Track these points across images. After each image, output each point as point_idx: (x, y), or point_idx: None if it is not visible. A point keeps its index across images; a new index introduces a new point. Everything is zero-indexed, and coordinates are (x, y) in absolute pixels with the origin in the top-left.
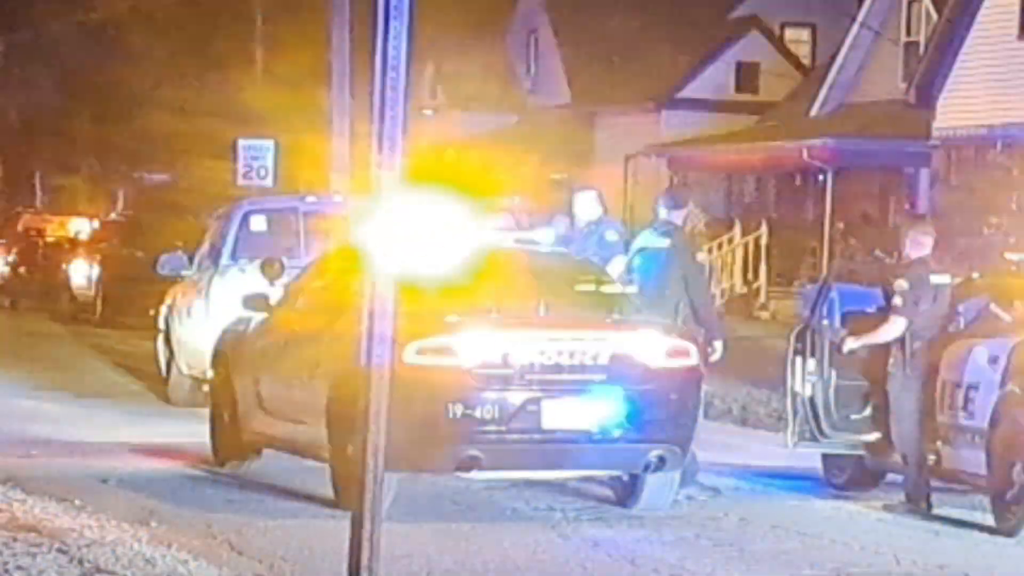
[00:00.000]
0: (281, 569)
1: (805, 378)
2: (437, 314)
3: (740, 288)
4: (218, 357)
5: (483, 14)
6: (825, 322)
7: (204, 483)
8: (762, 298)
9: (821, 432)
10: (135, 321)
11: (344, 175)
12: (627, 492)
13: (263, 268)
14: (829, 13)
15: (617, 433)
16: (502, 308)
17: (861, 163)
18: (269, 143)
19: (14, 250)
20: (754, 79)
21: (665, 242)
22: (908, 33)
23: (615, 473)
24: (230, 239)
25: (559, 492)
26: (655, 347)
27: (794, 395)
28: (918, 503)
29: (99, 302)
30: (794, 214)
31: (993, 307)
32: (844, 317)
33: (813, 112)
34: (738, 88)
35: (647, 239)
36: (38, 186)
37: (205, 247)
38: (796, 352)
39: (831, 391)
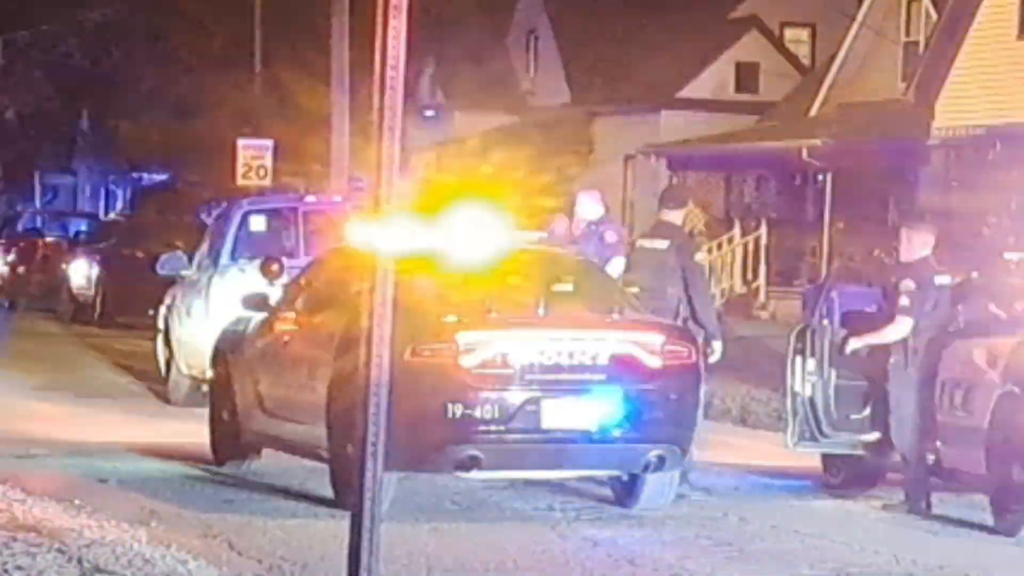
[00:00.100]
0: (281, 569)
1: (805, 378)
2: (437, 314)
3: (740, 288)
4: (218, 357)
5: (483, 14)
6: (825, 322)
7: (204, 483)
8: (761, 298)
9: (821, 432)
10: (135, 321)
11: (343, 174)
12: (627, 492)
13: (263, 268)
14: (829, 13)
15: (617, 433)
16: (502, 308)
17: (860, 163)
18: (268, 143)
19: (13, 250)
20: (754, 79)
21: (665, 242)
22: (907, 33)
23: (615, 473)
24: (230, 239)
25: (559, 492)
26: (655, 347)
27: (794, 395)
28: (918, 503)
29: (99, 302)
30: (794, 214)
31: (992, 307)
32: (844, 317)
33: (813, 112)
34: (738, 88)
35: (647, 239)
36: (38, 186)
37: (205, 247)
38: (796, 352)
39: (831, 391)
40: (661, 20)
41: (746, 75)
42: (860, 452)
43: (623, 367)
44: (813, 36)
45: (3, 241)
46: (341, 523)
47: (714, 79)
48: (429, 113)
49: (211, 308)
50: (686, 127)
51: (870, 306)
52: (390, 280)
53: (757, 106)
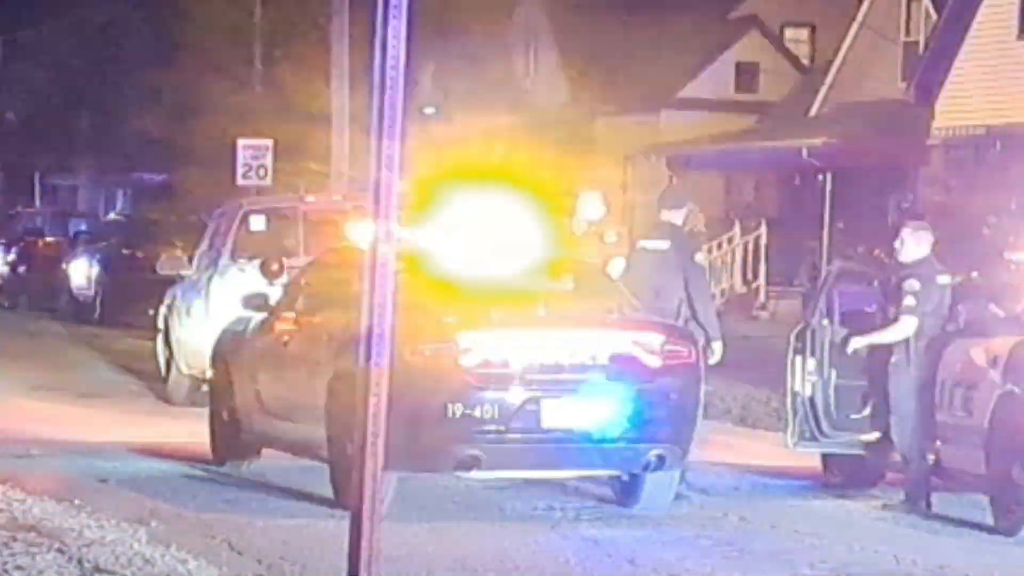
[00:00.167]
0: (281, 569)
1: (805, 378)
2: (437, 314)
3: (740, 288)
4: (217, 357)
5: (483, 14)
6: (825, 322)
7: (203, 483)
8: (761, 298)
9: (821, 432)
10: (135, 321)
11: (343, 174)
12: (627, 492)
13: (262, 268)
14: (829, 13)
15: (617, 433)
16: (502, 308)
17: (860, 163)
18: (268, 143)
19: (14, 250)
20: (754, 79)
21: (665, 242)
22: (907, 33)
23: (615, 473)
24: (230, 239)
25: (559, 492)
26: (655, 347)
27: (794, 395)
28: (918, 503)
29: (98, 302)
30: (793, 214)
31: (992, 307)
32: (844, 317)
33: (812, 112)
34: (738, 88)
35: (647, 239)
36: (38, 186)
37: (204, 247)
38: (796, 352)
39: (831, 391)
40: (661, 20)
41: (746, 75)
42: (860, 452)
43: (623, 367)
44: (813, 36)
45: (3, 241)
46: (341, 523)
47: (714, 79)
48: (430, 111)
49: (211, 308)
50: (686, 127)
51: (870, 306)
52: (390, 280)
53: (757, 106)
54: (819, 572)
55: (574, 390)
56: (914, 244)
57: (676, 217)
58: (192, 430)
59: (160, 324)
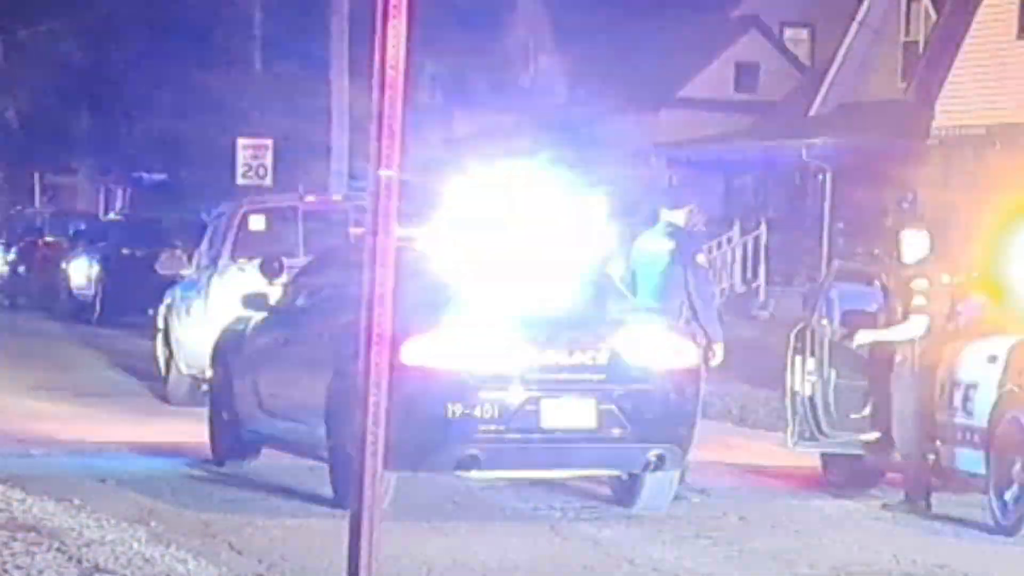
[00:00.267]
0: (280, 568)
1: (804, 377)
2: (436, 313)
3: (739, 288)
4: (217, 356)
5: (482, 13)
6: (824, 321)
7: (203, 482)
8: (761, 297)
9: (820, 431)
10: (134, 320)
11: (342, 174)
12: (626, 491)
13: (262, 267)
14: (828, 13)
15: (616, 432)
16: (502, 307)
17: (860, 163)
18: (268, 142)
19: (13, 249)
20: (753, 79)
21: (667, 243)
22: (907, 33)
23: (615, 473)
24: (229, 238)
25: (559, 492)
26: (655, 347)
27: (793, 394)
28: (917, 502)
29: (98, 301)
30: (793, 214)
31: (992, 306)
32: (844, 316)
33: (812, 112)
34: (737, 88)
35: (649, 240)
36: (37, 186)
37: (204, 246)
38: (795, 351)
39: (830, 390)
40: (661, 20)
41: (746, 75)
42: (859, 452)
43: (623, 367)
44: (813, 36)
45: (3, 241)
46: (341, 523)
47: (714, 78)
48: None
49: (210, 308)
50: (686, 127)
51: (869, 305)
52: (389, 278)
53: (757, 106)
54: (819, 572)
55: (574, 390)
56: (915, 245)
57: (677, 217)
58: (192, 430)
59: (160, 324)
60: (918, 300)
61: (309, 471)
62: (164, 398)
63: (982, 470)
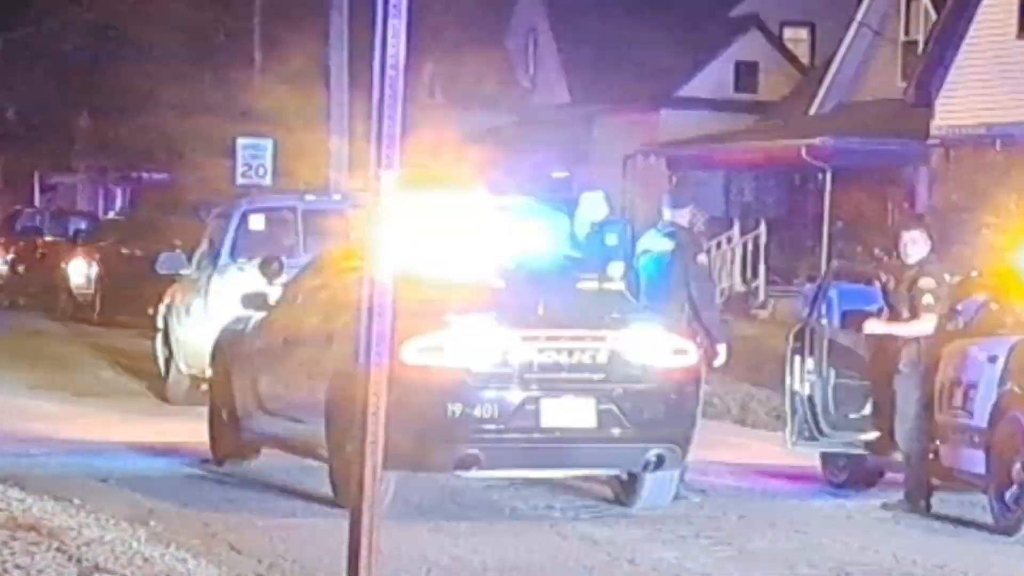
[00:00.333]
0: (280, 568)
1: (804, 377)
2: (436, 313)
3: (739, 287)
4: (217, 356)
5: (482, 13)
6: (824, 321)
7: (203, 482)
8: (761, 297)
9: (820, 431)
10: (134, 320)
11: (342, 174)
12: (626, 491)
13: (262, 267)
14: (828, 12)
15: (616, 432)
16: (501, 307)
17: (860, 162)
18: (267, 142)
19: (12, 249)
20: (753, 78)
21: (669, 244)
22: (907, 32)
23: (614, 472)
24: (229, 238)
25: (558, 491)
26: (654, 346)
27: (793, 394)
28: (917, 502)
29: (98, 301)
30: (793, 213)
31: (992, 306)
32: (843, 316)
33: (812, 111)
34: (737, 87)
35: (651, 240)
36: (37, 186)
37: (204, 246)
38: (795, 351)
39: (830, 390)
40: (661, 19)
41: (745, 74)
42: (859, 451)
43: (622, 366)
44: (813, 35)
45: (2, 240)
46: (341, 523)
47: (713, 78)
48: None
49: (210, 307)
50: (685, 126)
51: (869, 305)
52: (390, 278)
53: (756, 105)
54: (819, 572)
55: (573, 389)
56: (916, 246)
57: (681, 217)
58: (192, 429)
59: (159, 323)
60: (927, 299)
61: (309, 471)
62: (164, 398)
63: (981, 470)
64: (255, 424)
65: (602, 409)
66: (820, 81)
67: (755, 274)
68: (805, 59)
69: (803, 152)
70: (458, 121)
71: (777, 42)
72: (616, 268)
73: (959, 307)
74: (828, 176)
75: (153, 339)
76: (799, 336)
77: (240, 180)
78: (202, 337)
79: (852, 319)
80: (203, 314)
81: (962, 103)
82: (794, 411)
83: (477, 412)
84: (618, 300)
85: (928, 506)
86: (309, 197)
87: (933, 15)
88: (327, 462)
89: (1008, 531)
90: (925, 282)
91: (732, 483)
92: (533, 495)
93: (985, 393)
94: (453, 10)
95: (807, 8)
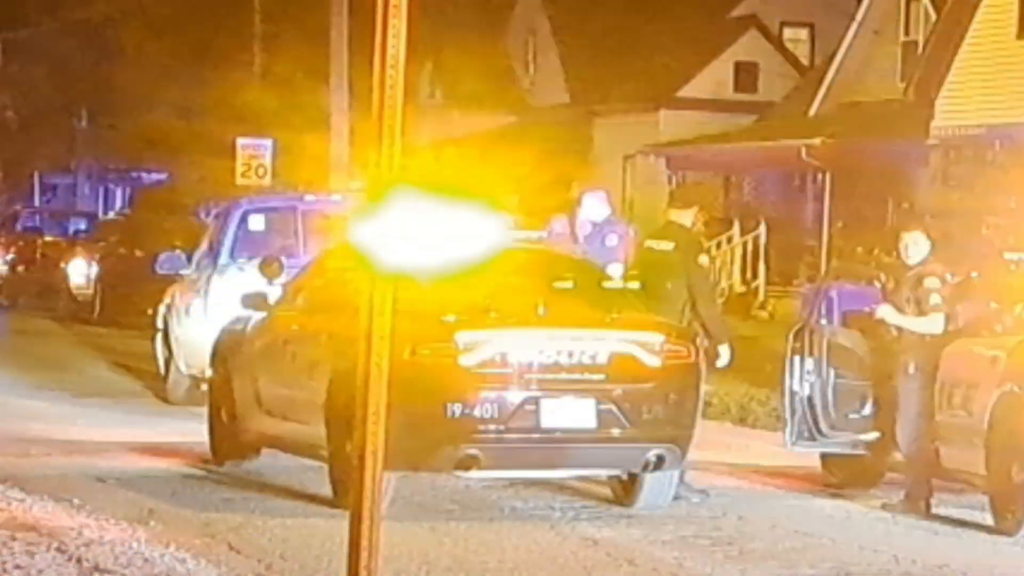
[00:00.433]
0: (280, 568)
1: (803, 377)
2: (436, 313)
3: (739, 288)
4: (217, 356)
5: (482, 13)
6: (823, 321)
7: (203, 482)
8: (761, 297)
9: (819, 431)
10: (134, 320)
11: (342, 174)
12: (626, 491)
13: (262, 267)
14: (828, 13)
15: (616, 432)
16: (501, 307)
17: (860, 163)
18: (267, 142)
19: (13, 249)
20: (753, 79)
21: (670, 243)
22: (907, 33)
23: (614, 472)
24: (229, 238)
25: (558, 491)
26: (655, 346)
27: (792, 394)
28: (917, 503)
29: (98, 301)
30: (793, 214)
31: (993, 307)
32: (843, 316)
33: (812, 112)
34: (737, 88)
35: (654, 241)
36: (37, 185)
37: (204, 246)
38: (794, 351)
39: (829, 390)
40: (661, 20)
41: (745, 74)
42: (859, 452)
43: (623, 366)
44: (812, 36)
45: (2, 240)
46: (341, 523)
47: (713, 78)
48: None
49: (210, 307)
50: (685, 127)
51: (869, 305)
52: (389, 279)
53: (756, 106)
54: (819, 572)
55: (573, 390)
56: (916, 246)
57: (684, 218)
58: (191, 429)
59: (159, 323)
60: (934, 298)
61: (309, 471)
62: (164, 398)
63: (981, 470)
64: (255, 424)
65: (602, 409)
66: (820, 81)
67: (755, 274)
68: (805, 59)
69: (803, 152)
70: (458, 121)
71: (777, 42)
72: (616, 269)
73: (959, 307)
74: (828, 176)
75: (153, 339)
76: (799, 336)
77: (240, 180)
78: (202, 337)
79: (850, 321)
80: (203, 314)
81: (962, 103)
82: (793, 411)
83: (477, 412)
84: (619, 300)
85: (928, 506)
86: (309, 197)
87: (933, 15)
88: (327, 462)
89: (1008, 531)
90: (930, 282)
91: (732, 483)
92: (533, 495)
93: (985, 394)
94: (453, 9)
95: (807, 8)
